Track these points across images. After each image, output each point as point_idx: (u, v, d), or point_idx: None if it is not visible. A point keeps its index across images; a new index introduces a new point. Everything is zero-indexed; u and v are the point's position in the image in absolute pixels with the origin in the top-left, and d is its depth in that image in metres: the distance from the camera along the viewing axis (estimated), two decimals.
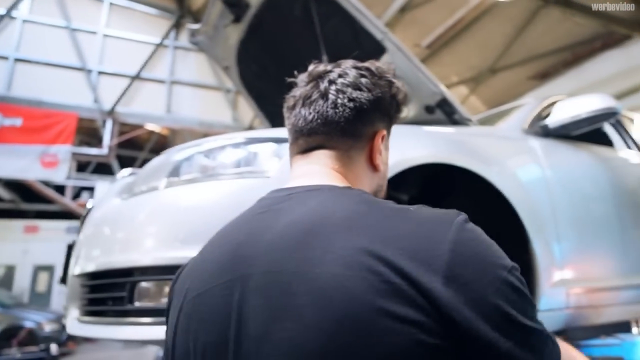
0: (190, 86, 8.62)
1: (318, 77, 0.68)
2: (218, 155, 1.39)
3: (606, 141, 2.46)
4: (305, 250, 0.50)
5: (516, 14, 6.46)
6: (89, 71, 7.80)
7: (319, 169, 0.66)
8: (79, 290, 1.39)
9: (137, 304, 1.22)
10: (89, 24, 7.96)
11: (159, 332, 1.20)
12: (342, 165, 0.67)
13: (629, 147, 2.47)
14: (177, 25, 8.59)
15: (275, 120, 2.97)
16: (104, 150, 7.49)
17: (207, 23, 2.61)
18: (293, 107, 0.69)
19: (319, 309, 0.46)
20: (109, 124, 7.66)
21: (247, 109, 2.93)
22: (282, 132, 1.44)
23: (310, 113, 0.66)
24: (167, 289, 1.23)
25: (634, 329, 1.90)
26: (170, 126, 8.58)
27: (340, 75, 0.67)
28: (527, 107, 2.18)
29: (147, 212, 1.32)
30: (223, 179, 1.30)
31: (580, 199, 1.90)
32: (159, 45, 8.39)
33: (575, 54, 6.72)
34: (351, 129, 0.66)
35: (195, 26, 2.70)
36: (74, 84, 7.64)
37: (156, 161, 1.53)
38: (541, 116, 2.09)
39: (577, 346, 1.91)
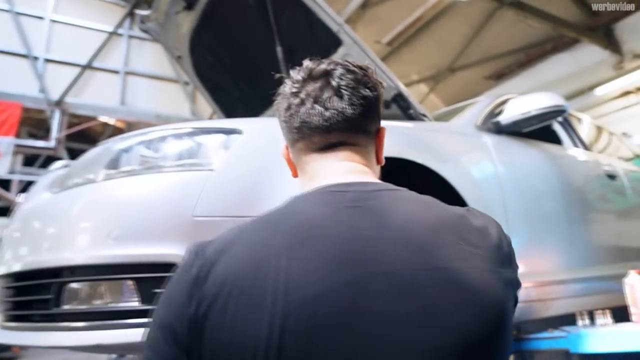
0: (146, 77, 8.26)
1: (325, 75, 0.68)
2: (161, 146, 1.30)
3: (555, 139, 2.53)
4: (447, 248, 0.55)
5: (473, 15, 6.60)
6: (35, 58, 7.33)
7: (357, 167, 0.68)
8: (3, 292, 1.27)
9: (65, 307, 1.12)
10: (35, 9, 7.47)
11: (93, 337, 1.11)
12: (368, 161, 0.71)
13: (576, 145, 2.56)
14: (132, 14, 8.22)
15: (231, 112, 2.88)
16: (51, 143, 7.07)
17: (158, 9, 2.48)
18: (301, 103, 0.68)
19: (478, 301, 0.53)
20: (56, 115, 7.23)
21: (207, 102, 2.84)
22: (233, 123, 1.37)
23: (327, 109, 0.67)
24: (101, 290, 1.14)
25: (579, 322, 1.96)
26: (124, 119, 8.22)
27: (347, 73, 0.69)
28: (480, 104, 2.21)
29: (81, 207, 1.22)
30: (164, 172, 1.22)
31: (530, 195, 1.94)
32: (112, 34, 8.00)
33: (529, 56, 6.96)
34: (364, 125, 0.70)
35: (145, 12, 2.57)
36: (17, 71, 7.13)
37: (93, 152, 1.42)
38: (494, 113, 2.12)
39: (526, 340, 1.96)
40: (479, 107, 2.16)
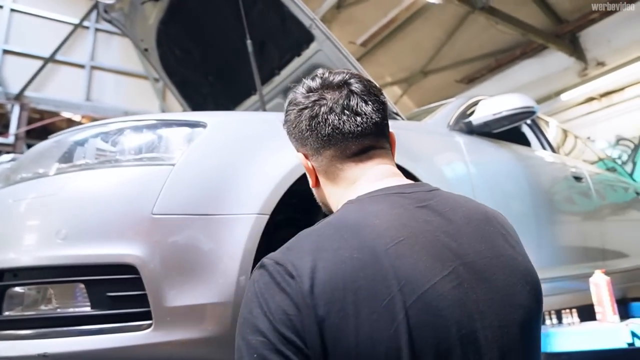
0: (113, 73, 7.97)
1: (345, 83, 0.71)
2: (119, 139, 1.22)
3: (524, 141, 2.56)
4: (499, 238, 0.64)
5: (446, 19, 6.69)
6: None
7: (393, 170, 0.72)
8: None
9: (8, 313, 1.02)
10: None
11: (40, 345, 1.02)
12: (393, 162, 0.75)
13: (544, 147, 2.60)
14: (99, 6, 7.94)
15: (199, 108, 2.78)
16: (9, 139, 6.72)
17: None
18: (330, 111, 0.69)
19: (530, 281, 0.63)
20: (16, 110, 6.88)
21: (176, 99, 2.75)
22: (196, 116, 1.30)
23: (358, 115, 0.69)
24: (49, 294, 1.05)
25: (547, 321, 1.97)
26: (90, 115, 7.92)
27: (362, 80, 0.72)
28: (452, 104, 2.20)
29: (28, 203, 1.12)
30: (122, 166, 1.14)
31: (500, 195, 1.94)
32: (78, 26, 7.69)
33: (498, 61, 7.10)
34: (385, 130, 0.74)
35: (109, 1, 2.45)
36: None
37: (44, 145, 1.32)
38: (466, 114, 2.12)
39: None
40: (451, 108, 2.16)
